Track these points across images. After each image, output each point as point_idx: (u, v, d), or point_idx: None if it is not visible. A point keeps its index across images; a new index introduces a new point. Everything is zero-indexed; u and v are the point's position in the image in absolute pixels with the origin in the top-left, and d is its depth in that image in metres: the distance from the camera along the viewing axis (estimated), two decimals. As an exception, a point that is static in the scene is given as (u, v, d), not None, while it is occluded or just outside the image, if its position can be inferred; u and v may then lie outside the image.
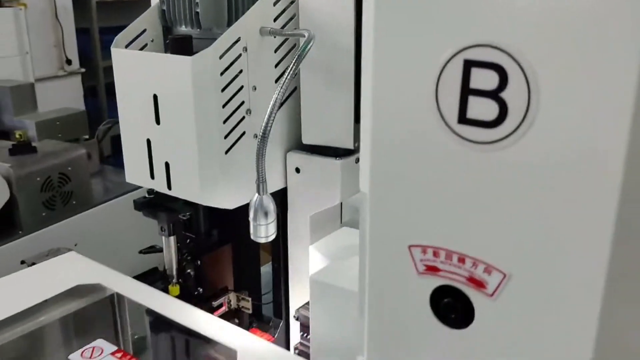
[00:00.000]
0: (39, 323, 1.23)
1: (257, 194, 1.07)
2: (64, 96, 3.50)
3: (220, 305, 1.38)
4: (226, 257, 1.42)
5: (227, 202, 1.24)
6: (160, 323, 1.20)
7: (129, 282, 1.30)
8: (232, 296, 1.39)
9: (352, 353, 1.04)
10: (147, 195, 1.28)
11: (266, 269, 1.62)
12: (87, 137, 2.86)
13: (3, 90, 2.57)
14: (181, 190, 1.25)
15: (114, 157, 3.31)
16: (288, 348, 1.52)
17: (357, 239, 1.20)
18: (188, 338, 1.21)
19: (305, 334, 1.29)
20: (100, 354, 1.05)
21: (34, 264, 1.74)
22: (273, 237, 1.10)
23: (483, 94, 0.54)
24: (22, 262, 1.89)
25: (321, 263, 1.12)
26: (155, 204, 1.29)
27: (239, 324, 1.42)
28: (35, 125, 2.57)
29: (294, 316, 1.33)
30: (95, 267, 1.36)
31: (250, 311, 1.39)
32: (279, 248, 1.43)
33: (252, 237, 1.10)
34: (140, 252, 1.52)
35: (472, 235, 0.59)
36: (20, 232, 2.27)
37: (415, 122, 0.60)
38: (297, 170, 1.33)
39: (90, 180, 2.62)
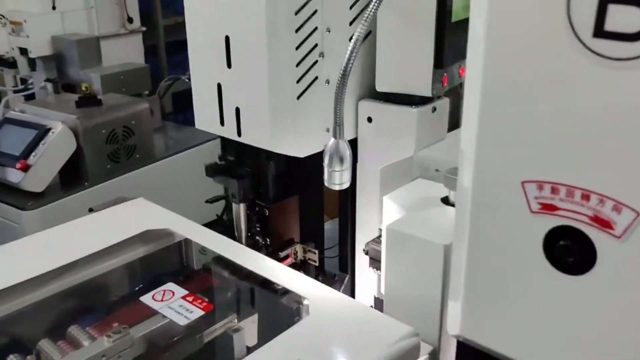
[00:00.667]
0: (108, 266, 1.23)
1: (332, 139, 1.03)
2: (125, 54, 3.53)
3: (287, 257, 1.36)
4: (293, 209, 1.39)
5: (298, 149, 1.21)
6: (229, 270, 1.18)
7: (198, 229, 1.28)
8: (299, 248, 1.37)
9: (427, 305, 1.00)
10: (218, 162, 1.27)
11: (328, 226, 1.59)
12: (148, 92, 2.88)
13: (70, 43, 2.59)
14: (251, 136, 1.22)
15: (175, 114, 3.33)
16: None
17: (434, 191, 1.16)
18: (257, 285, 1.19)
19: (375, 269, 1.26)
20: (172, 297, 1.04)
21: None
22: (347, 184, 1.06)
23: (627, 0, 0.47)
24: (90, 210, 1.91)
25: (396, 214, 1.07)
26: (226, 170, 1.27)
27: (304, 277, 1.39)
28: (100, 78, 2.59)
29: (364, 250, 1.30)
30: (163, 213, 1.36)
31: (316, 263, 1.36)
32: (347, 201, 1.39)
33: (325, 183, 1.07)
34: (207, 201, 1.51)
35: (601, 169, 0.52)
36: (86, 183, 2.31)
37: (539, 40, 0.53)
38: (369, 119, 1.28)
39: (153, 136, 2.64)
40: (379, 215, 1.36)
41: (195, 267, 1.27)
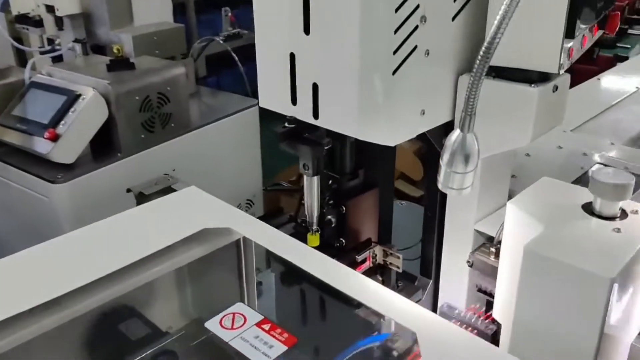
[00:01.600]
0: (159, 274, 1.04)
1: (457, 131, 0.80)
2: (153, 13, 3.30)
3: (364, 261, 1.15)
4: (372, 204, 1.18)
5: (389, 136, 0.98)
6: (308, 287, 0.98)
7: (260, 227, 1.08)
8: (378, 250, 1.15)
9: (576, 347, 0.79)
10: (287, 124, 1.04)
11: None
12: (182, 55, 2.65)
13: (99, 0, 2.37)
14: (331, 119, 0.99)
15: (209, 77, 3.11)
16: (435, 310, 1.29)
17: (570, 196, 0.93)
18: (349, 312, 1.00)
19: (480, 288, 1.04)
20: (243, 324, 0.84)
21: (142, 194, 1.57)
22: (468, 191, 0.84)
23: None
24: (128, 191, 1.72)
25: (523, 225, 0.85)
26: (298, 135, 1.04)
27: (382, 282, 1.19)
28: (132, 39, 2.36)
29: (468, 262, 1.08)
30: (220, 206, 1.15)
31: (400, 269, 1.15)
32: (435, 194, 1.17)
33: (440, 186, 0.85)
34: (266, 189, 1.30)
35: None
36: (119, 154, 2.11)
37: None
38: (472, 99, 1.04)
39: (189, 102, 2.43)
40: (475, 213, 1.14)
41: (265, 282, 1.07)
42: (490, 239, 1.18)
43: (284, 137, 1.02)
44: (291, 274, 1.00)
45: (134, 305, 1.14)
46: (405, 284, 1.21)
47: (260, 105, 1.11)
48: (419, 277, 1.25)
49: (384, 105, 0.95)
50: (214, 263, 1.12)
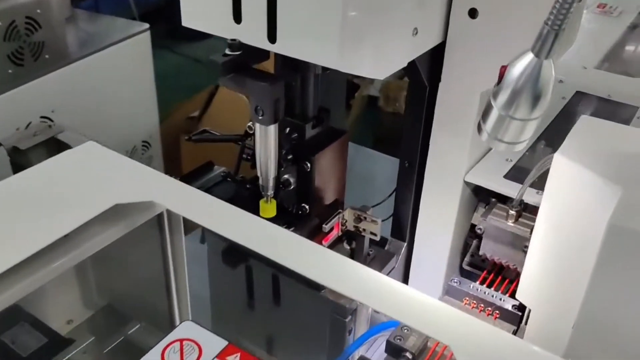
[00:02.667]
0: (57, 268, 0.73)
1: (530, 56, 0.54)
2: None
3: (331, 230, 0.89)
4: (342, 157, 0.91)
5: (380, 66, 0.71)
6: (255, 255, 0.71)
7: (190, 195, 0.78)
8: (349, 214, 0.90)
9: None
10: (227, 52, 0.73)
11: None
12: (50, -30, 2.18)
13: None
14: (298, 44, 0.70)
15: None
16: (406, 278, 1.07)
17: (618, 138, 0.71)
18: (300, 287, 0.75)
19: (486, 258, 0.83)
20: (199, 358, 0.56)
21: (16, 149, 1.20)
22: (523, 146, 0.59)
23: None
24: (-1, 145, 1.33)
25: (577, 181, 0.62)
26: (244, 67, 0.74)
27: (352, 252, 0.94)
28: (-16, -53, 1.87)
29: (478, 229, 0.86)
30: (131, 169, 0.83)
31: (378, 237, 0.91)
32: (416, 138, 0.92)
33: (484, 136, 0.59)
34: (189, 139, 0.99)
35: None
36: (-19, 93, 1.69)
37: None
38: (473, 13, 0.79)
39: (65, 29, 2.01)
40: (467, 160, 0.91)
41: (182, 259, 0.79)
42: (476, 192, 0.97)
43: (228, 70, 0.71)
44: (245, 251, 0.72)
45: (28, 306, 0.83)
46: (375, 250, 0.97)
47: (184, 24, 0.79)
48: (391, 240, 1.01)
49: (374, 23, 0.67)
50: (133, 244, 0.82)
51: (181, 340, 0.57)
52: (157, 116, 2.15)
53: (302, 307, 0.89)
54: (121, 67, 2.06)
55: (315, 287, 0.85)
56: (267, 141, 0.78)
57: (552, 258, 0.68)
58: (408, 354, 0.65)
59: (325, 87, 0.88)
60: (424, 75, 0.84)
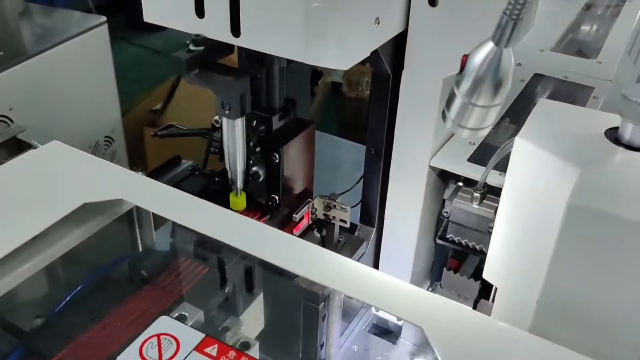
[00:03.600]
0: (23, 273, 0.72)
1: (490, 45, 0.56)
2: None
3: (301, 219, 0.90)
4: (310, 146, 0.92)
5: (344, 56, 0.72)
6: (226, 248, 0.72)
7: (159, 191, 0.78)
8: (318, 203, 0.91)
9: (626, 325, 0.62)
10: (191, 47, 0.73)
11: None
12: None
13: None
14: (261, 37, 0.70)
15: (39, -8, 2.57)
16: (377, 263, 1.09)
17: (578, 120, 0.73)
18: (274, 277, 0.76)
19: (453, 240, 0.85)
20: (177, 352, 0.56)
21: (-24, 151, 1.17)
22: (486, 132, 0.61)
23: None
24: (-48, 148, 1.30)
25: (537, 163, 0.63)
26: (210, 63, 0.74)
27: (323, 240, 0.95)
28: None
29: (444, 212, 0.88)
30: (97, 167, 0.83)
31: (347, 224, 0.92)
32: (381, 124, 0.94)
33: (448, 124, 0.61)
34: (156, 134, 0.98)
35: None
36: None
37: None
38: (433, 1, 0.80)
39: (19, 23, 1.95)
40: (431, 145, 0.93)
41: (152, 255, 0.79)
42: (442, 175, 0.99)
43: (193, 66, 0.71)
44: (216, 244, 0.73)
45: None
46: (345, 236, 0.99)
47: (146, 19, 0.78)
48: (360, 226, 1.03)
49: (337, 14, 0.68)
50: (102, 244, 0.82)
51: (158, 335, 0.58)
52: (118, 110, 2.11)
53: (275, 295, 0.90)
54: (80, 62, 2.01)
55: (288, 275, 0.86)
56: (234, 135, 0.78)
57: (515, 238, 0.71)
58: None
59: (290, 78, 0.88)
60: (387, 63, 0.85)
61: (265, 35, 0.70)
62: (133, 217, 0.85)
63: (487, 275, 0.77)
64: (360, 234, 1.03)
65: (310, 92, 1.02)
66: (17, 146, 1.21)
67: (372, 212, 1.02)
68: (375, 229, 1.03)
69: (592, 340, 0.61)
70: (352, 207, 0.96)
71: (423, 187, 0.96)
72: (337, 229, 0.94)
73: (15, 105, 1.76)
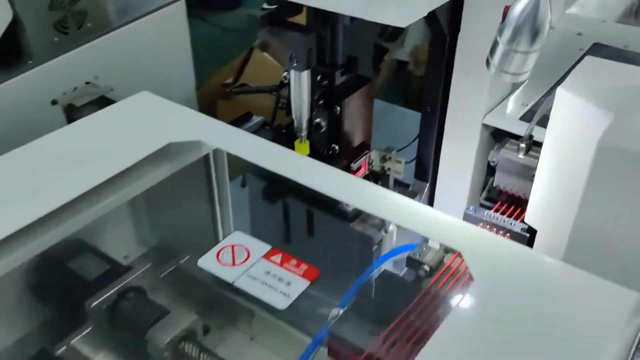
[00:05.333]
0: (117, 200, 0.84)
1: None
2: None
3: (359, 168, 0.98)
4: (368, 102, 1.00)
5: (403, 13, 0.79)
6: (319, 207, 0.81)
7: (236, 135, 0.88)
8: (375, 155, 0.99)
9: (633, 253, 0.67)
10: (265, 6, 0.82)
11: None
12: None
13: None
14: (326, -6, 0.78)
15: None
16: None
17: (619, 75, 0.78)
18: (332, 216, 0.84)
19: (502, 190, 0.91)
20: (247, 259, 0.66)
21: (72, 106, 1.31)
22: (526, 77, 0.67)
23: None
24: (54, 103, 1.45)
25: (577, 112, 0.69)
26: (280, 20, 0.83)
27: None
28: None
29: (491, 161, 0.94)
30: (182, 114, 0.94)
31: (401, 175, 1.00)
32: (437, 87, 1.00)
33: (492, 69, 0.68)
34: (232, 91, 1.09)
35: None
36: (30, 61, 1.80)
37: None
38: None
39: (105, -3, 2.09)
40: (485, 104, 0.99)
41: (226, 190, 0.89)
42: (495, 134, 1.04)
43: (266, 22, 0.80)
44: (283, 190, 0.82)
45: (89, 241, 0.94)
46: (398, 190, 1.06)
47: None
48: (414, 181, 1.10)
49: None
50: (182, 183, 0.93)
51: (232, 246, 0.68)
52: (193, 83, 2.24)
53: (333, 238, 0.99)
54: (159, 35, 2.14)
55: (345, 219, 0.95)
56: (300, 86, 0.87)
57: (553, 181, 0.76)
58: (425, 267, 0.74)
59: (354, 39, 0.96)
60: (444, 25, 0.91)
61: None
62: (209, 160, 0.95)
63: (528, 219, 0.83)
64: (413, 188, 1.10)
65: (374, 67, 1.09)
66: (106, 104, 1.34)
67: (427, 167, 1.09)
68: (428, 184, 1.10)
69: (616, 271, 0.66)
70: (407, 162, 1.04)
71: (476, 144, 1.02)
72: (391, 181, 1.02)
73: (101, 74, 1.91)
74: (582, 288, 0.61)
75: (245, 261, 0.66)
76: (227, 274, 0.65)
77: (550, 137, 0.75)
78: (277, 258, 0.66)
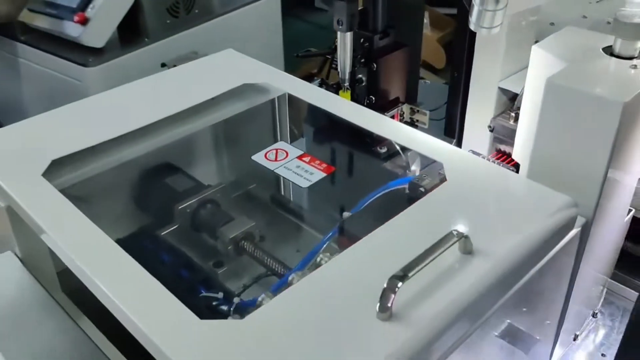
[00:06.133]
0: (206, 122, 1.11)
1: None
2: None
3: (392, 117, 1.21)
4: (402, 63, 1.23)
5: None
6: (344, 131, 1.04)
7: (299, 84, 1.14)
8: (406, 108, 1.22)
9: (587, 173, 0.86)
10: (320, -19, 1.08)
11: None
12: None
13: None
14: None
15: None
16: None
17: (593, 40, 0.97)
18: (379, 149, 1.06)
19: (499, 150, 1.12)
20: (285, 157, 0.92)
21: (176, 66, 1.62)
22: (497, 30, 0.89)
23: None
24: (163, 65, 1.78)
25: (548, 66, 0.90)
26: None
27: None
28: None
29: (489, 126, 1.15)
30: (258, 66, 1.20)
31: (426, 125, 1.22)
32: (463, 54, 1.22)
33: (472, 26, 0.90)
34: (297, 55, 1.35)
35: None
36: (146, 39, 2.14)
37: None
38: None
39: (208, -14, 2.41)
40: (500, 71, 1.19)
41: (304, 128, 1.14)
42: (513, 98, 1.24)
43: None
44: (328, 125, 1.07)
45: (177, 157, 1.22)
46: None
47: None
48: (443, 137, 1.32)
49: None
50: (254, 117, 1.19)
51: (276, 150, 0.94)
52: (282, 69, 2.51)
53: (366, 175, 1.21)
54: (254, 26, 2.44)
55: (378, 157, 1.17)
56: (345, 45, 1.12)
57: (526, 121, 0.96)
58: (422, 189, 0.95)
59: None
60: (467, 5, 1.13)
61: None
62: (275, 104, 1.22)
63: (515, 156, 1.04)
64: (442, 143, 1.31)
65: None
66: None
67: (453, 125, 1.30)
68: (455, 140, 1.31)
69: (564, 187, 0.85)
70: (438, 120, 1.26)
71: (493, 105, 1.22)
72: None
73: (200, 53, 2.21)
74: (524, 189, 0.82)
75: (284, 159, 0.92)
76: (270, 165, 0.91)
77: (528, 84, 0.96)
78: (307, 159, 0.92)
